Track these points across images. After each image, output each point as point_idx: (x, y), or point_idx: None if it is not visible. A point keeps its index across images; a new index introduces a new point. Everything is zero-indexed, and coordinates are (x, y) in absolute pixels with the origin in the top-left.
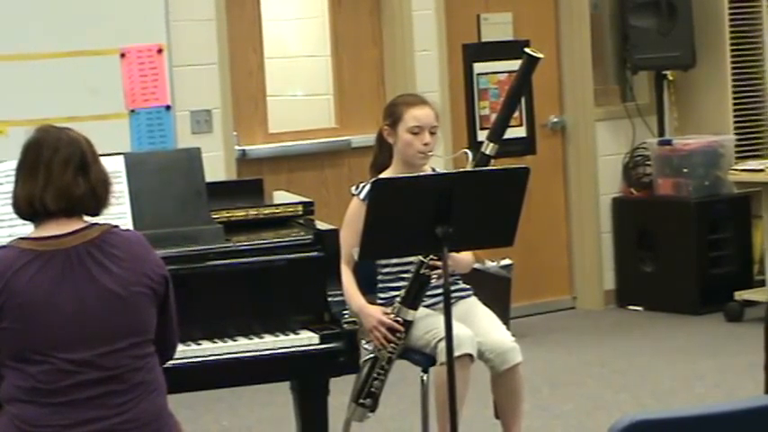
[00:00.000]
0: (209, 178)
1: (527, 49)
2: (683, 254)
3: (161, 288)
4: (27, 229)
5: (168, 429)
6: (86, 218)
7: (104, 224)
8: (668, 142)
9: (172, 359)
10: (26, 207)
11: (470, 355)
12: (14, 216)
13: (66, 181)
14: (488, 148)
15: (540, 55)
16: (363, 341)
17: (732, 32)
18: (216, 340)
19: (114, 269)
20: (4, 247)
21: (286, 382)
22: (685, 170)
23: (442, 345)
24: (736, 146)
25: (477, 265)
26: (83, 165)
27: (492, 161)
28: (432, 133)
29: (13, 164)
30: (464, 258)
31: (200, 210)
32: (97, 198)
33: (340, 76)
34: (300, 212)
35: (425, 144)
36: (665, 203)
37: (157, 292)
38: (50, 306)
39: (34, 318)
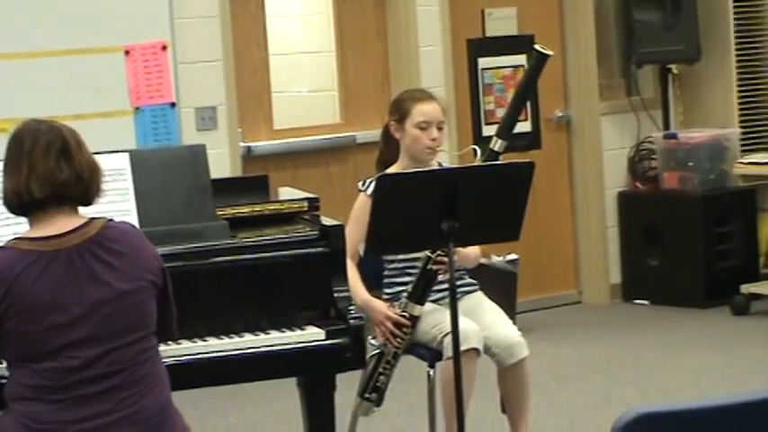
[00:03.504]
0: (214, 175)
1: (537, 47)
2: (688, 247)
3: (160, 280)
4: (9, 230)
5: (172, 422)
6: (83, 211)
7: (100, 218)
8: (673, 136)
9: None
10: (15, 199)
11: (477, 350)
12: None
13: (48, 167)
14: (497, 145)
15: (551, 52)
16: (369, 337)
17: (737, 25)
18: (222, 336)
19: (117, 264)
20: (2, 248)
21: (292, 378)
22: (691, 164)
23: (449, 339)
24: (742, 139)
25: (482, 260)
26: (64, 150)
27: (500, 157)
28: (439, 128)
29: None
30: (471, 253)
31: (206, 206)
32: (83, 183)
33: (345, 71)
34: (306, 208)
35: (433, 139)
36: (671, 197)
37: (157, 284)
38: (56, 308)
39: (40, 320)
